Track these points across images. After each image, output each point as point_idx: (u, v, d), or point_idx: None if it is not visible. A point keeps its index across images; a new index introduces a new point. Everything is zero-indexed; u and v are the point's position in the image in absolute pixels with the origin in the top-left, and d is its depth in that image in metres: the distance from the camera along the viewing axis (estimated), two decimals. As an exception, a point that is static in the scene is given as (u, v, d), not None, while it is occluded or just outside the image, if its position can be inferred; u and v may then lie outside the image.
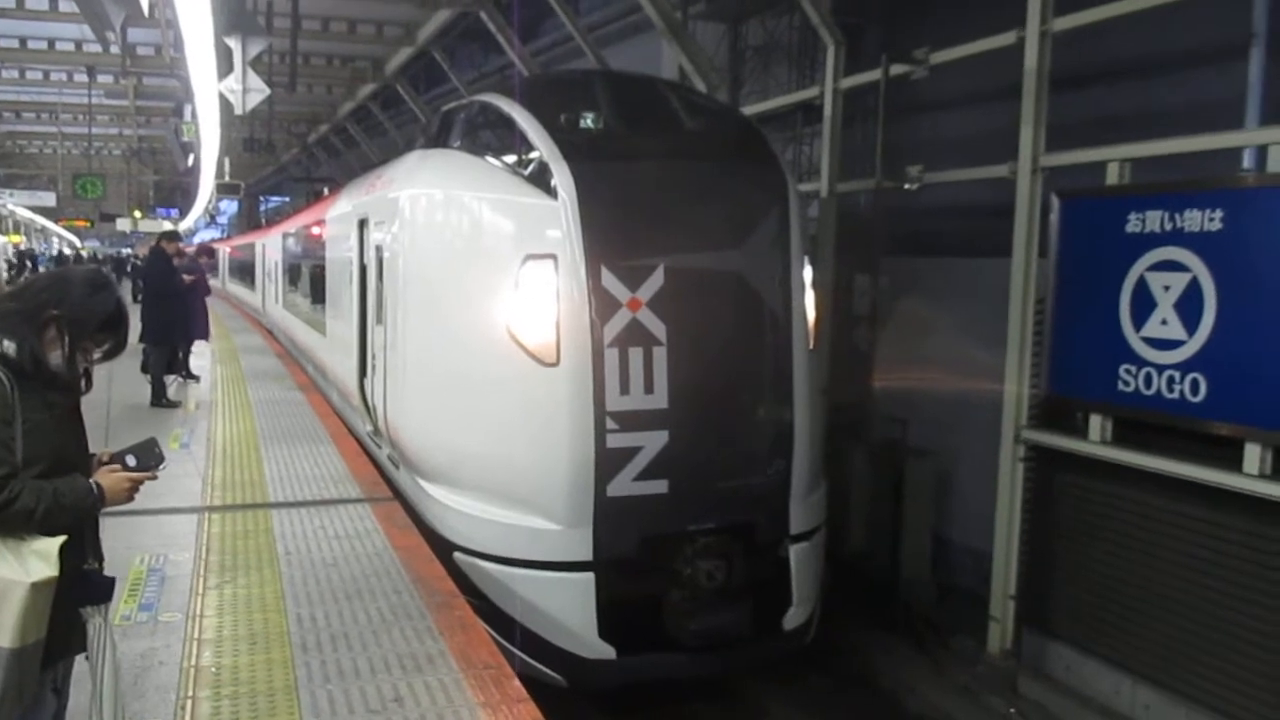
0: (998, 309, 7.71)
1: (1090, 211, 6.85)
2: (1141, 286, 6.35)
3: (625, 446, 5.97)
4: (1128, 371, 6.44)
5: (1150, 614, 6.44)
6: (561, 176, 6.12)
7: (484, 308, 6.22)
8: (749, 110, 11.11)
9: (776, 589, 6.42)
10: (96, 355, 2.89)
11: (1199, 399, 5.99)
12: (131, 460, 2.90)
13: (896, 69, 8.96)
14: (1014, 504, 7.55)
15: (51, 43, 19.76)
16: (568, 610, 5.94)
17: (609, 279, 6.00)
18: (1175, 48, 7.65)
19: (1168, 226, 6.17)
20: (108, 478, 2.82)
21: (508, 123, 6.86)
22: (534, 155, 6.40)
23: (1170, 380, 6.15)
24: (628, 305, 6.01)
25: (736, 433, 6.34)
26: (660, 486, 6.05)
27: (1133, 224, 6.39)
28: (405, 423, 7.05)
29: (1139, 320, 6.36)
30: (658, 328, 6.04)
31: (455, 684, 4.10)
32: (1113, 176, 6.73)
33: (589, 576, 5.97)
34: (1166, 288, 6.18)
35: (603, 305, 5.98)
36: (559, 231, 6.06)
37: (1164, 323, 6.20)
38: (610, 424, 5.94)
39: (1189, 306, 6.03)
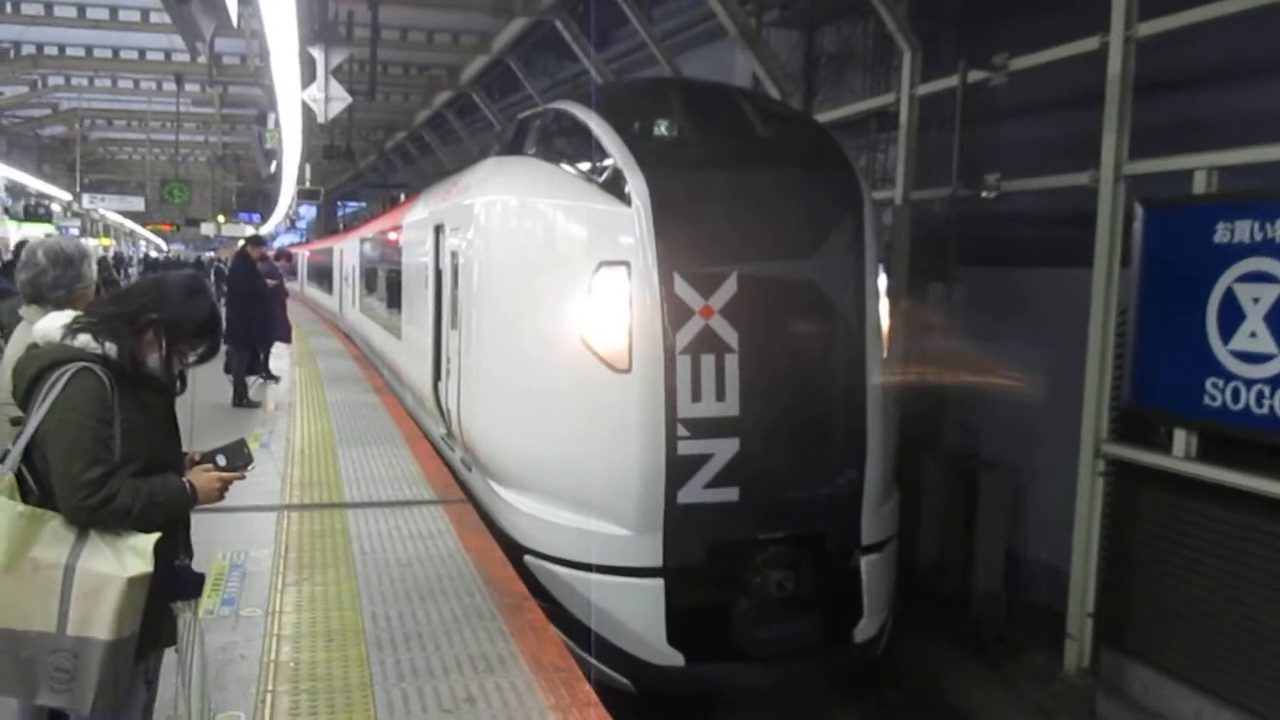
0: (1077, 320, 7.55)
1: (1176, 221, 6.68)
2: (1229, 298, 6.17)
3: (696, 454, 5.98)
4: (1214, 385, 6.26)
5: (1232, 635, 6.25)
6: (635, 184, 6.15)
7: (557, 314, 6.27)
8: (823, 117, 11.04)
9: (847, 600, 6.36)
10: (191, 358, 2.98)
11: (1289, 415, 5.80)
12: (222, 460, 3.00)
13: (974, 75, 8.84)
14: (1093, 519, 7.37)
15: (142, 53, 20.49)
16: (637, 616, 5.96)
17: (682, 286, 6.01)
18: (1264, 52, 7.41)
19: (1258, 236, 5.98)
20: (200, 477, 2.92)
21: (582, 130, 6.92)
22: (608, 162, 6.44)
23: (1259, 395, 5.97)
24: (700, 312, 6.02)
25: (808, 441, 6.31)
26: (731, 494, 6.04)
27: (1220, 234, 6.22)
28: (478, 426, 7.14)
29: (1226, 333, 6.18)
30: (730, 335, 6.03)
31: (526, 686, 4.14)
32: (1200, 185, 6.54)
33: (658, 583, 5.99)
34: (1256, 299, 5.99)
35: (675, 312, 5.99)
36: (632, 238, 6.09)
37: (1253, 335, 6.02)
38: (681, 431, 5.95)
39: (1280, 319, 5.85)
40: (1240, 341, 6.10)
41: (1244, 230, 6.07)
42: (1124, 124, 7.17)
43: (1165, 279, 6.72)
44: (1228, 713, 6.27)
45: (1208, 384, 6.30)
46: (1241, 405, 6.08)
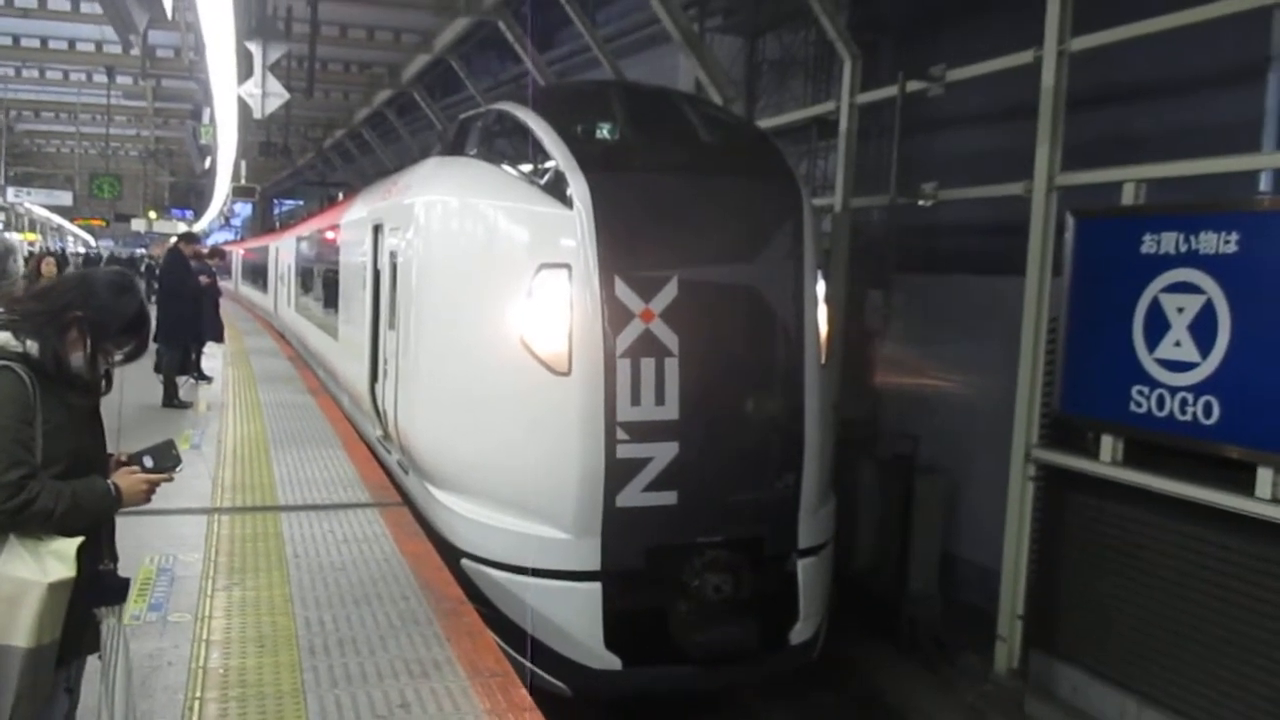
0: (1010, 327, 7.70)
1: (1105, 231, 6.84)
2: (1155, 308, 6.33)
3: (635, 457, 5.98)
4: (1140, 393, 6.42)
5: (1157, 636, 6.41)
6: (577, 186, 6.14)
7: (497, 315, 6.24)
8: (764, 124, 11.13)
9: (784, 603, 6.41)
10: (118, 357, 2.90)
11: (1211, 422, 5.96)
12: (149, 461, 2.92)
13: (913, 85, 8.97)
14: (1023, 523, 7.52)
15: (72, 43, 19.93)
16: (574, 619, 5.95)
17: (623, 289, 6.02)
18: (1193, 70, 7.64)
19: (1183, 248, 6.15)
20: (126, 479, 2.84)
21: (524, 132, 6.89)
22: (550, 165, 6.43)
23: (1183, 402, 6.13)
24: (641, 316, 6.02)
25: (746, 446, 6.34)
26: (669, 498, 6.05)
27: (1148, 245, 6.38)
28: (415, 428, 7.07)
29: (1152, 341, 6.34)
30: (670, 339, 6.05)
31: (462, 691, 4.11)
32: (1128, 197, 6.71)
33: (596, 586, 5.98)
34: (1180, 309, 6.16)
35: (616, 315, 5.99)
36: (574, 241, 6.08)
37: (1177, 344, 6.18)
38: (620, 434, 5.95)
39: (1203, 329, 6.01)
40: (1165, 350, 6.26)
41: (1169, 242, 6.23)
42: (1057, 136, 7.33)
43: (1095, 288, 6.88)
44: (1151, 711, 6.43)
45: (1134, 391, 6.45)
46: (1166, 412, 6.24)
